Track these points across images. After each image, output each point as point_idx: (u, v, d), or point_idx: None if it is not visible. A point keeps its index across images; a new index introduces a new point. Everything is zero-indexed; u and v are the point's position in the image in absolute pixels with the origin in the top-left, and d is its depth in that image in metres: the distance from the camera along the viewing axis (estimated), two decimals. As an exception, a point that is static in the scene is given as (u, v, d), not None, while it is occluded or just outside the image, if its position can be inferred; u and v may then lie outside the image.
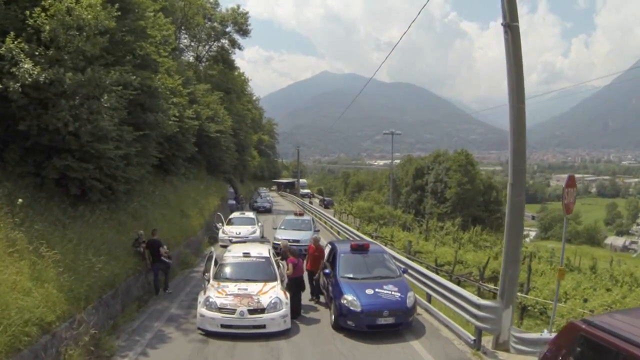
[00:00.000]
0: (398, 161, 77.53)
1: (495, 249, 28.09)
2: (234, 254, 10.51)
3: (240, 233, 18.40)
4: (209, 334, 8.65)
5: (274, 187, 69.31)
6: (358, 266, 10.01)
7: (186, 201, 18.59)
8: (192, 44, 40.59)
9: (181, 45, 37.10)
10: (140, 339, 8.47)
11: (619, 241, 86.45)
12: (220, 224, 19.58)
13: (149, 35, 14.79)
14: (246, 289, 9.04)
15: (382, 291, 9.10)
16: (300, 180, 67.72)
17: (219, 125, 25.10)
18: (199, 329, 8.78)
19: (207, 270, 10.04)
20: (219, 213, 20.58)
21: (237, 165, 44.59)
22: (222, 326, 8.53)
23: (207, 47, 41.39)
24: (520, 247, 7.76)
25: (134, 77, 10.97)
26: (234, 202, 33.44)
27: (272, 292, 9.07)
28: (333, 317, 9.25)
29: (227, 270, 10.00)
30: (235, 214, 21.23)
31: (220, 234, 18.96)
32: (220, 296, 8.81)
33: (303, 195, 57.76)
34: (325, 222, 28.25)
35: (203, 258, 16.14)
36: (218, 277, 9.68)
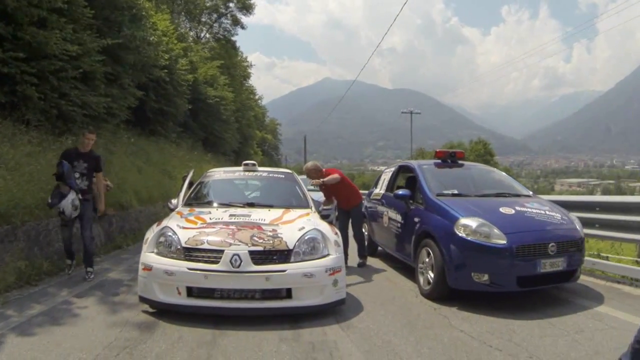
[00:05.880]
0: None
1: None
2: (226, 169, 6.15)
3: None
4: (162, 311, 3.88)
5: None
6: (458, 181, 5.64)
7: (172, 161, 14.70)
8: (191, 29, 37.73)
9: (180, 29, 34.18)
10: (15, 316, 3.90)
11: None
12: None
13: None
14: (248, 215, 4.41)
15: (529, 210, 4.68)
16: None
17: (218, 91, 21.65)
18: (141, 299, 3.99)
19: (176, 196, 5.41)
20: None
21: (239, 154, 41.31)
22: (191, 291, 3.75)
23: (207, 27, 38.56)
24: None
25: None
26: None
27: (304, 221, 4.36)
28: (431, 273, 4.63)
29: (212, 190, 5.42)
30: None
31: None
32: (191, 226, 4.07)
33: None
34: None
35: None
36: (193, 201, 5.14)
